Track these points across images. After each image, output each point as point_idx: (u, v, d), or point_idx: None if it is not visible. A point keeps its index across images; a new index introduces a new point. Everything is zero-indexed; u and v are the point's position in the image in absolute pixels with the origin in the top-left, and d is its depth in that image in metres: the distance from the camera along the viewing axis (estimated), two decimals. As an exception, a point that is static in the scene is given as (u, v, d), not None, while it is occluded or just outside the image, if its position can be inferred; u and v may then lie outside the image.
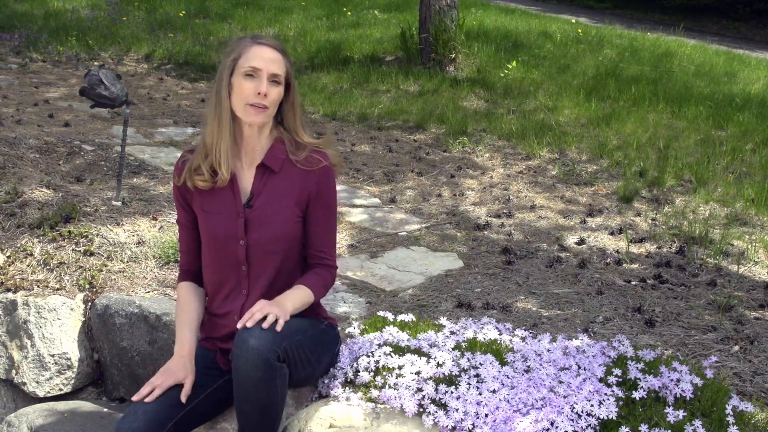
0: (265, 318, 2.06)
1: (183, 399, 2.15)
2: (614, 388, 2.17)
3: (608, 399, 2.12)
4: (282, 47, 2.24)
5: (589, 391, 2.14)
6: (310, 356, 2.22)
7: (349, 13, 10.56)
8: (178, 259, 3.42)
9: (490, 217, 4.27)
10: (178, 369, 2.21)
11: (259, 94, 2.16)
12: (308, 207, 2.30)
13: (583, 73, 7.54)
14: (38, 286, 3.31)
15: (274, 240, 2.26)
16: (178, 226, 2.43)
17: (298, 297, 2.23)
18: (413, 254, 3.71)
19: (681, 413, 2.06)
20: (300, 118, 2.31)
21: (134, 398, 2.14)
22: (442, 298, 3.18)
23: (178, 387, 2.20)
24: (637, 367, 2.23)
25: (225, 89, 2.22)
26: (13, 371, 3.23)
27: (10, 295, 3.29)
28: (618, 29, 10.25)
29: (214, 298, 2.37)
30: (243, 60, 2.18)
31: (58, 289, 3.30)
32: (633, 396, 2.14)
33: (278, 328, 2.05)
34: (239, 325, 2.06)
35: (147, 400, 2.12)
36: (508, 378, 2.24)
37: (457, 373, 2.27)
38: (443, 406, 2.17)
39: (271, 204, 2.27)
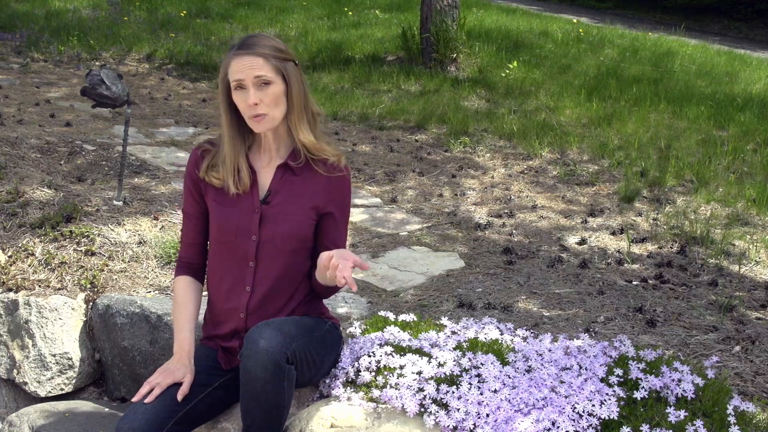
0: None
1: (179, 398, 2.15)
2: (615, 388, 2.17)
3: (609, 399, 2.12)
4: (263, 49, 2.17)
5: (591, 391, 2.14)
6: (316, 357, 2.22)
7: (350, 13, 10.56)
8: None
9: (491, 217, 4.27)
10: (176, 368, 2.21)
11: (249, 105, 2.17)
12: (324, 214, 2.30)
13: (585, 73, 7.53)
14: (39, 286, 3.31)
15: (286, 238, 2.27)
16: (183, 216, 2.42)
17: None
18: (414, 254, 3.71)
19: (682, 413, 2.06)
20: (302, 113, 2.25)
21: (134, 399, 2.14)
22: (444, 298, 3.18)
23: (179, 386, 2.19)
24: (639, 367, 2.23)
25: (225, 107, 2.24)
26: (15, 371, 3.23)
27: (11, 295, 3.29)
28: (619, 29, 10.25)
29: (217, 293, 2.36)
30: (229, 76, 2.20)
31: (59, 289, 3.30)
32: (634, 396, 2.14)
33: (365, 266, 2.02)
34: (341, 280, 1.99)
35: (146, 400, 2.12)
36: (510, 378, 2.24)
37: (459, 373, 2.27)
38: (444, 406, 2.17)
39: (288, 202, 2.28)
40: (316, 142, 2.28)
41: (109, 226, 3.65)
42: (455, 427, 2.12)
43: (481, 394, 2.17)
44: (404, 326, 2.63)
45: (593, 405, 2.10)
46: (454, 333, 2.58)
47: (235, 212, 2.28)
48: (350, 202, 2.38)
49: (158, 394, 2.13)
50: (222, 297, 2.35)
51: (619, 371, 2.23)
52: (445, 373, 2.27)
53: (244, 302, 2.30)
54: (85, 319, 3.26)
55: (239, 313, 2.31)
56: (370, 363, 2.33)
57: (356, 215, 4.25)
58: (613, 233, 4.00)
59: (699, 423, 2.04)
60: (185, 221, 2.40)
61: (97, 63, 8.20)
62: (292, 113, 2.25)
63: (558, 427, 2.05)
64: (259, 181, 2.31)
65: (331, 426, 2.22)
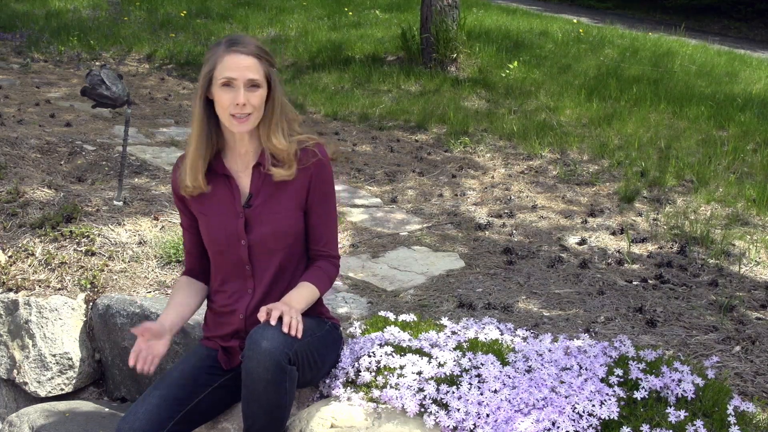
0: (280, 318, 2.07)
1: (137, 332, 2.18)
2: (616, 388, 2.17)
3: (610, 399, 2.12)
4: (257, 51, 2.17)
5: (591, 391, 2.14)
6: (317, 358, 2.23)
7: (350, 13, 10.56)
8: (180, 259, 3.43)
9: (492, 217, 4.27)
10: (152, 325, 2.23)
11: (237, 105, 2.14)
12: (307, 202, 2.30)
13: (585, 73, 7.53)
14: (40, 286, 3.31)
15: (275, 237, 2.27)
16: (182, 229, 2.43)
17: (304, 296, 2.23)
18: (414, 254, 3.71)
19: (682, 413, 2.06)
20: (279, 119, 2.22)
21: (135, 366, 2.18)
22: (444, 298, 3.18)
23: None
24: (639, 367, 2.23)
25: (200, 102, 2.20)
26: (15, 371, 3.23)
27: (11, 295, 3.29)
28: (619, 29, 10.25)
29: (219, 296, 2.37)
30: (218, 71, 2.15)
31: (59, 289, 3.30)
32: (634, 396, 2.14)
33: (299, 335, 2.05)
34: (261, 317, 2.06)
35: (139, 365, 2.17)
36: (510, 378, 2.24)
37: (459, 373, 2.27)
38: (444, 406, 2.17)
39: (269, 202, 2.27)
40: (287, 148, 2.23)
41: (109, 226, 3.65)
42: (455, 427, 2.12)
43: (482, 394, 2.17)
44: (404, 326, 2.63)
45: (593, 405, 2.10)
46: (454, 333, 2.58)
47: (221, 220, 2.28)
48: (332, 187, 2.33)
49: (145, 356, 2.18)
50: (224, 301, 2.35)
51: (619, 371, 2.23)
52: (445, 373, 2.27)
53: (245, 304, 2.31)
54: (85, 319, 3.26)
55: (239, 315, 2.31)
56: (370, 363, 2.33)
57: (356, 215, 4.25)
58: (613, 233, 4.00)
59: (699, 423, 2.04)
60: (183, 233, 2.42)
61: (97, 63, 8.20)
62: (271, 119, 2.22)
63: (558, 427, 2.05)
64: (239, 185, 2.29)
65: (331, 426, 2.22)
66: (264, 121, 2.22)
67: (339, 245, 2.61)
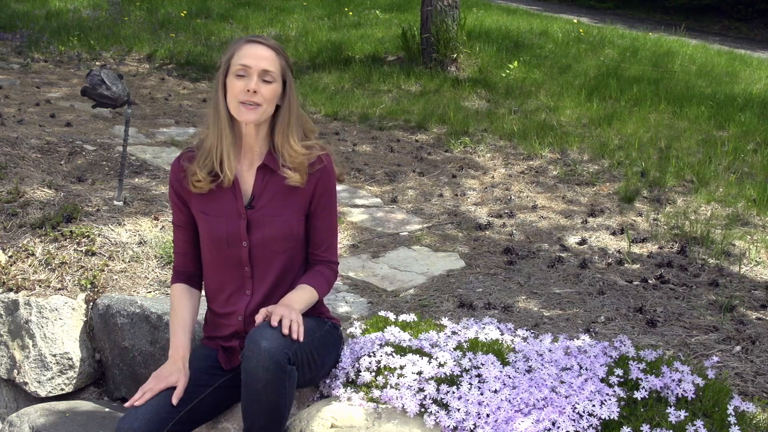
0: (280, 321, 2.07)
1: (174, 401, 2.14)
2: (616, 388, 2.17)
3: (610, 399, 2.12)
4: (276, 46, 2.23)
5: (591, 391, 2.14)
6: (317, 358, 2.23)
7: (350, 13, 10.56)
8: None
9: (492, 217, 4.27)
10: (170, 372, 2.20)
11: (248, 91, 2.15)
12: (310, 208, 2.30)
13: (585, 73, 7.53)
14: (40, 286, 3.32)
15: (277, 240, 2.26)
16: (173, 228, 2.42)
17: (303, 298, 2.23)
18: (415, 254, 3.71)
19: (683, 413, 2.06)
20: (293, 123, 2.25)
21: (126, 404, 2.14)
22: (444, 298, 3.18)
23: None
24: (639, 367, 2.23)
25: (221, 91, 2.22)
26: (15, 371, 3.23)
27: (11, 295, 3.30)
28: (619, 29, 10.25)
29: (216, 298, 2.37)
30: (235, 59, 2.19)
31: (59, 289, 3.30)
32: (635, 396, 2.14)
33: (300, 338, 2.05)
34: (258, 319, 2.06)
35: (137, 404, 2.12)
36: (510, 378, 2.24)
37: (459, 373, 2.27)
38: (445, 406, 2.17)
39: (272, 204, 2.27)
40: (304, 153, 2.25)
41: (110, 226, 3.65)
42: (455, 427, 2.12)
43: (482, 394, 2.17)
44: (404, 326, 2.63)
45: (593, 405, 2.10)
46: (454, 333, 2.58)
47: (223, 220, 2.27)
48: (335, 194, 2.35)
49: (149, 398, 2.13)
50: (222, 302, 2.35)
51: (619, 371, 2.23)
52: (445, 373, 2.27)
53: (243, 306, 2.30)
54: (85, 319, 3.26)
55: (238, 316, 2.31)
56: (370, 363, 2.33)
57: (356, 215, 4.25)
58: (614, 233, 4.00)
59: (699, 423, 2.04)
60: (176, 232, 2.41)
61: (97, 63, 8.21)
62: (288, 123, 2.24)
63: (558, 427, 2.05)
64: (241, 185, 2.29)
65: (332, 426, 2.22)
66: (280, 124, 2.24)
67: (339, 245, 2.62)
